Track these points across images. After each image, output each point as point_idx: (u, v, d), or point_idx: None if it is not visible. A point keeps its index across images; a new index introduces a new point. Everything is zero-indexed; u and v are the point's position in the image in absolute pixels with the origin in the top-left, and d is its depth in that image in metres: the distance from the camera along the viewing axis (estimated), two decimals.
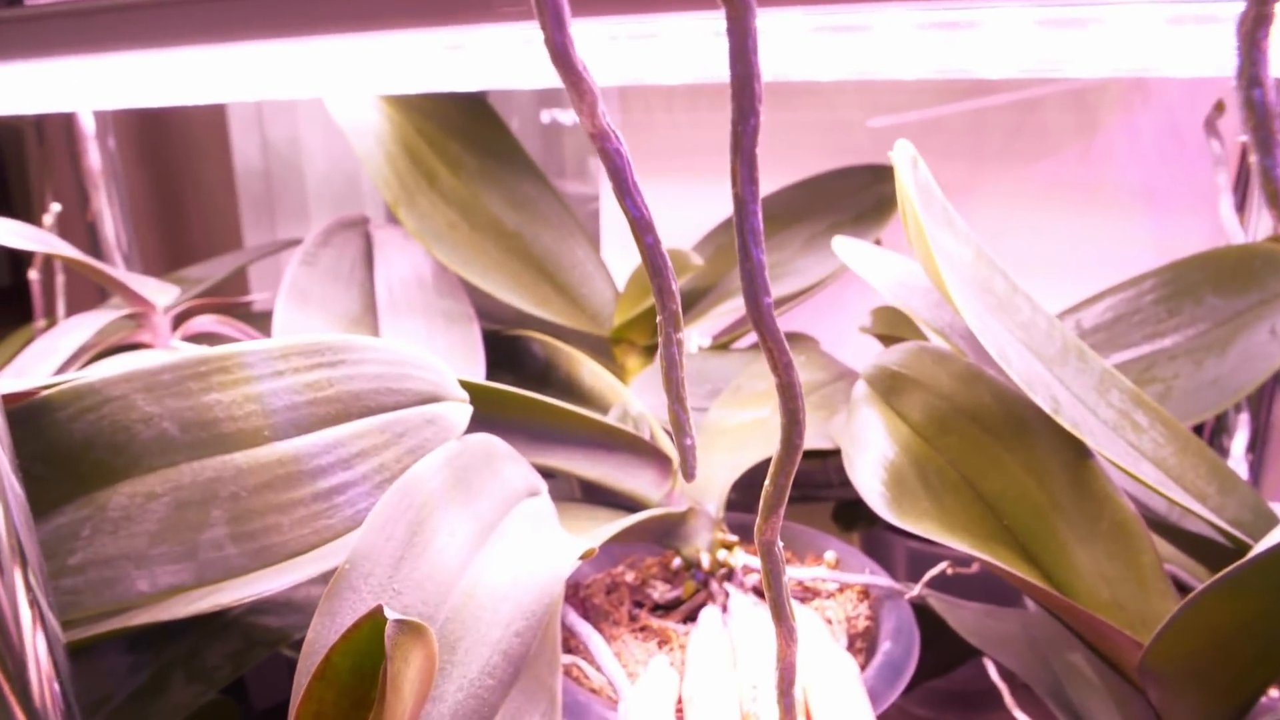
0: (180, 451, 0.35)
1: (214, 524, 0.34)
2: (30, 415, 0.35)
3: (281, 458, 0.35)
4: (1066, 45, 0.36)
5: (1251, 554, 0.28)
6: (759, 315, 0.16)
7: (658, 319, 0.17)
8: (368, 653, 0.23)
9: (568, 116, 1.02)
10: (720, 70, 0.41)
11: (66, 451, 0.35)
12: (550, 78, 0.50)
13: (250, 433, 0.36)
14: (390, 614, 0.20)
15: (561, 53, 0.14)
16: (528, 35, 0.40)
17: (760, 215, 0.16)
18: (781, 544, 0.19)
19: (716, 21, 0.38)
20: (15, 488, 0.31)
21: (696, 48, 0.40)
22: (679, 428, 0.18)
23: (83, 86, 0.48)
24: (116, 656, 0.40)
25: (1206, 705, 0.34)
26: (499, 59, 0.43)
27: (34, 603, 0.30)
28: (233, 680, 0.39)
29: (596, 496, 0.53)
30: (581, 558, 0.33)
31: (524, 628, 0.29)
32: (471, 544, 0.33)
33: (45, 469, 0.35)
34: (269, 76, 0.46)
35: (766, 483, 0.18)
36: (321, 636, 0.28)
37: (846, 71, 0.39)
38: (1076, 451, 0.39)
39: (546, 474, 0.44)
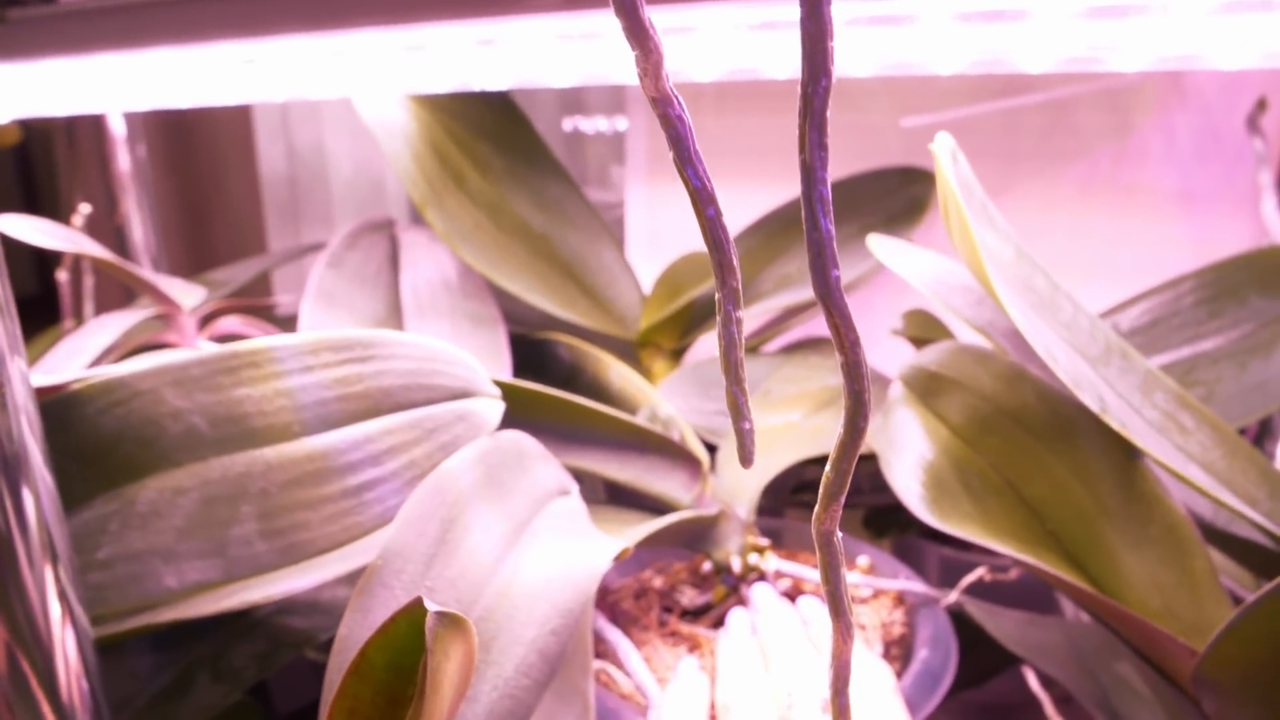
0: (209, 447, 0.35)
1: (243, 520, 0.33)
2: (59, 409, 0.35)
3: (311, 454, 0.35)
4: (1112, 35, 0.35)
5: None
6: (826, 290, 0.15)
7: (716, 296, 0.17)
8: (405, 649, 0.22)
9: (590, 125, 1.02)
10: (755, 66, 0.41)
11: (95, 446, 0.35)
12: (581, 76, 0.49)
13: (280, 428, 0.35)
14: (431, 605, 0.20)
15: (627, 1, 0.13)
16: (560, 29, 0.40)
17: (829, 184, 0.15)
18: (840, 535, 0.19)
19: (752, 13, 0.37)
20: (48, 481, 0.30)
21: (731, 42, 0.39)
22: (737, 411, 0.17)
23: (114, 85, 0.48)
24: (141, 656, 0.40)
25: (1264, 716, 0.32)
26: (530, 54, 0.42)
27: (64, 598, 0.30)
28: (258, 682, 0.38)
29: (623, 500, 0.52)
30: (618, 557, 0.32)
31: (560, 626, 0.28)
32: (505, 542, 0.32)
33: (73, 463, 0.35)
34: (299, 74, 0.46)
35: (827, 468, 0.18)
36: (354, 633, 0.27)
37: (885, 65, 0.38)
38: (1125, 453, 0.38)
39: (575, 477, 0.44)
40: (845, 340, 0.16)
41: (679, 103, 0.15)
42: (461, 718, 0.27)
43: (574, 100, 0.99)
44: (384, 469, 0.34)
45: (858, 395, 0.16)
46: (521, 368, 0.60)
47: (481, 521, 0.32)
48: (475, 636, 0.21)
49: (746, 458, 0.18)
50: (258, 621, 0.41)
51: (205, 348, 0.62)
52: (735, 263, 0.16)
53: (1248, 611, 0.30)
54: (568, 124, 1.02)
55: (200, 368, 0.36)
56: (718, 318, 0.17)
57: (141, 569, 0.33)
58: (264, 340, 0.37)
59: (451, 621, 0.20)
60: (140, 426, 0.35)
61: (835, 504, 0.18)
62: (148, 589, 0.33)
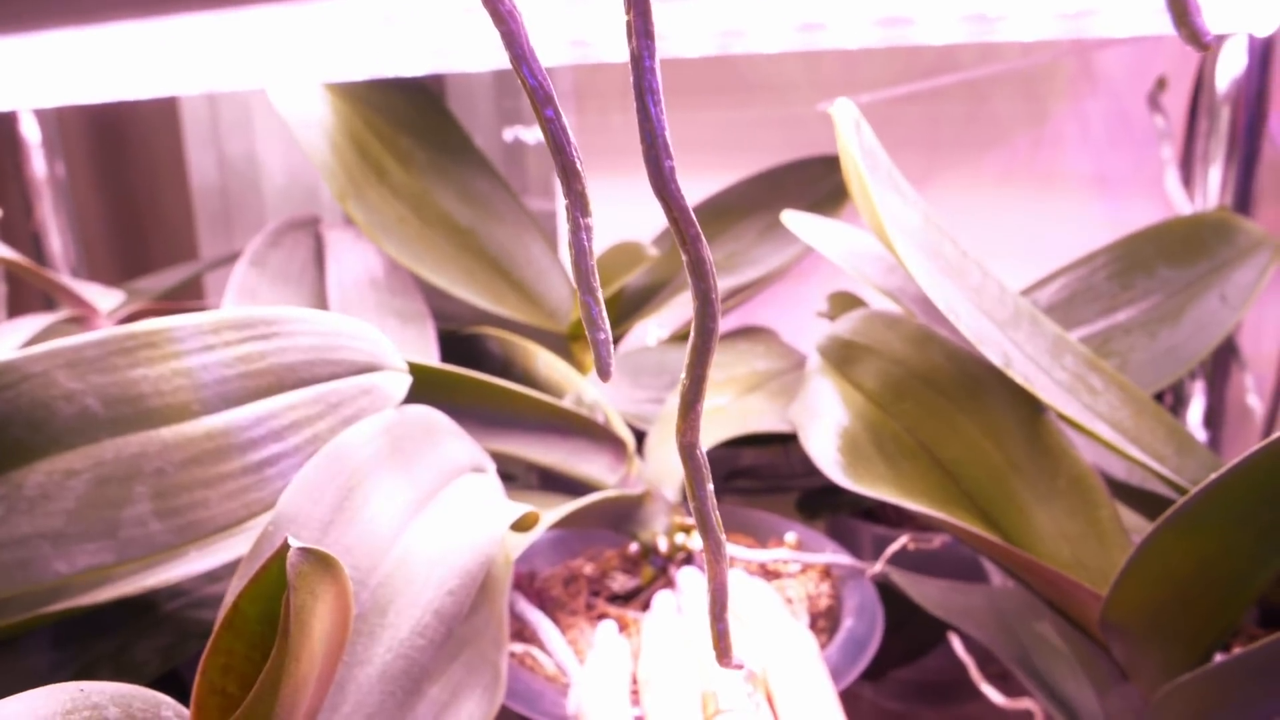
0: (103, 428, 0.34)
1: (137, 500, 0.32)
2: None
3: (210, 432, 0.34)
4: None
5: (1200, 486, 0.27)
6: (661, 181, 0.15)
7: (565, 204, 0.17)
8: (279, 596, 0.21)
9: (530, 135, 1.02)
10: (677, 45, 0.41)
11: None
12: (493, 60, 0.49)
13: (178, 407, 0.34)
14: (294, 542, 0.19)
15: None
16: (466, 3, 0.40)
17: (658, 74, 0.15)
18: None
19: None
20: None
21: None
22: (591, 321, 0.17)
23: (14, 70, 0.47)
24: (40, 655, 0.38)
25: (1169, 657, 0.33)
26: (435, 32, 0.42)
27: None
28: (163, 673, 0.37)
29: (555, 487, 0.51)
30: (524, 523, 0.32)
31: (457, 586, 0.28)
32: (407, 512, 0.32)
33: None
34: (203, 56, 0.46)
35: (683, 376, 0.17)
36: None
37: (796, 28, 0.39)
38: (1031, 408, 0.38)
39: (502, 463, 0.43)
40: (685, 235, 0.16)
41: None
42: (354, 679, 0.26)
43: (514, 111, 1.00)
44: (286, 444, 0.34)
45: (704, 295, 0.16)
46: (452, 363, 0.59)
47: (383, 491, 0.31)
48: (348, 579, 0.21)
49: (603, 369, 0.17)
50: (164, 616, 0.39)
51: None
52: (579, 167, 0.16)
53: (1141, 551, 0.30)
54: (508, 134, 1.02)
55: (95, 349, 0.35)
56: (567, 225, 0.17)
57: (28, 554, 0.32)
58: (163, 320, 0.36)
59: (318, 559, 0.20)
60: (30, 410, 0.34)
61: (693, 413, 0.18)
62: (35, 574, 0.32)
